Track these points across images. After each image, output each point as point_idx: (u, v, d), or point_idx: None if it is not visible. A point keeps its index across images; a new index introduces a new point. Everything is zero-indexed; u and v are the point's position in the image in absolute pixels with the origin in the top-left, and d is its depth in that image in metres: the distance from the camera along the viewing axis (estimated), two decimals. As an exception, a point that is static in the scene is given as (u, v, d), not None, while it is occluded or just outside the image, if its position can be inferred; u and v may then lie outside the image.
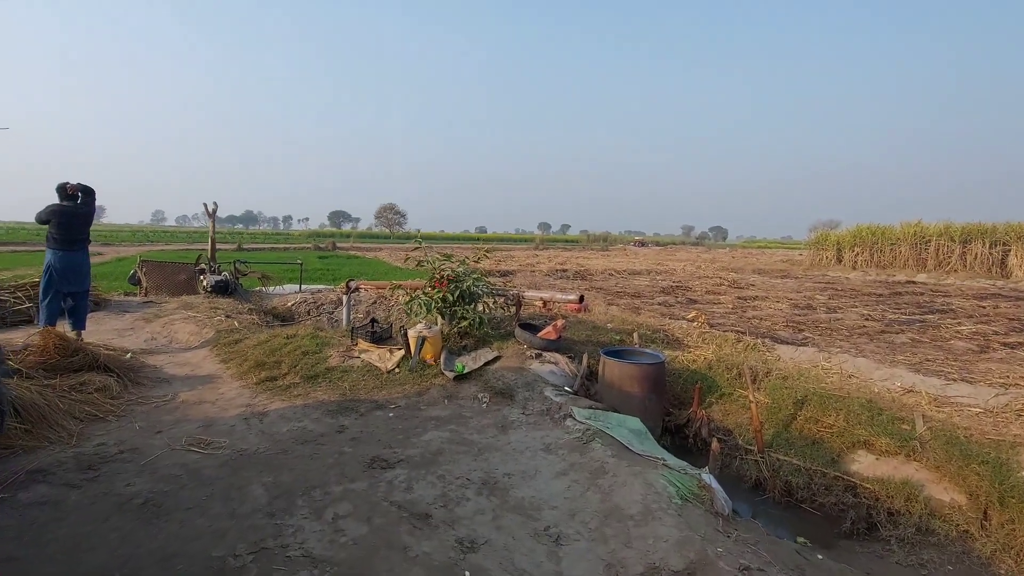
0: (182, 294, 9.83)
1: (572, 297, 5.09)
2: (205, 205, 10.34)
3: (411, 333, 4.91)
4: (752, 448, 3.98)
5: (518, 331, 5.10)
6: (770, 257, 39.00)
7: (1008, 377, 5.70)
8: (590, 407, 3.91)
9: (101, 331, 6.48)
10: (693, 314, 7.35)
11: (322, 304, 9.36)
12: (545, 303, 5.38)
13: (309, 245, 39.69)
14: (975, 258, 22.10)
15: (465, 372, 4.63)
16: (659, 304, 11.25)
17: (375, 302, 9.30)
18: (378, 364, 4.87)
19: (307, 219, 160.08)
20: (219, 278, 9.27)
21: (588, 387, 4.76)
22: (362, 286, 7.96)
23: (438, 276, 5.24)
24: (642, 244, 67.49)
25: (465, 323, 5.16)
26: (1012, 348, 7.50)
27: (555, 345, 4.98)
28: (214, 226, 10.54)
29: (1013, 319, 10.22)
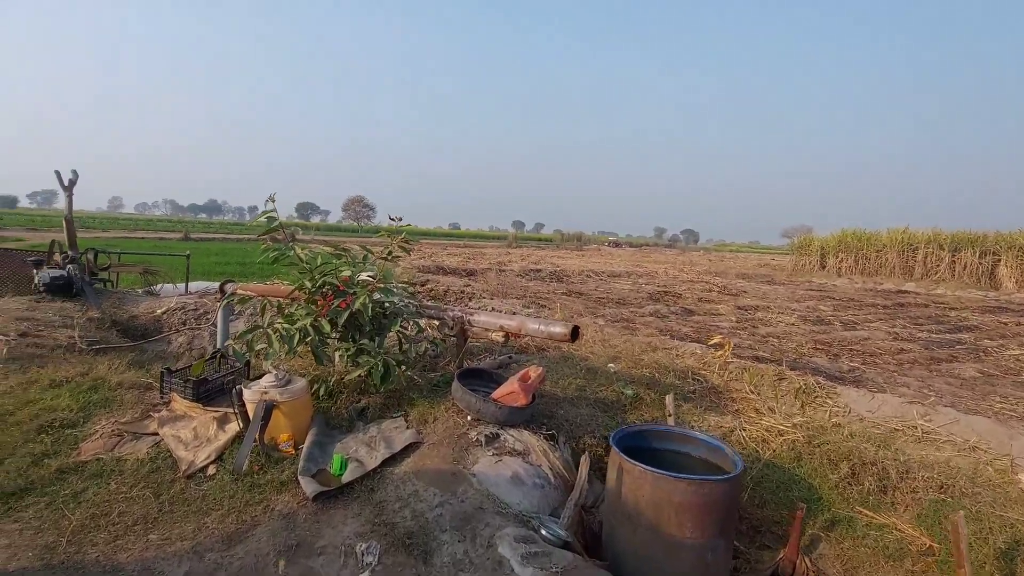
0: (22, 293, 7.19)
1: (558, 330, 2.71)
2: (58, 174, 7.61)
3: (247, 395, 2.55)
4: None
5: (456, 388, 2.78)
6: (745, 261, 37.76)
7: None
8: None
9: None
10: (717, 338, 5.25)
11: (207, 312, 6.83)
12: (510, 335, 2.98)
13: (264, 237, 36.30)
14: (964, 268, 21.11)
15: (344, 479, 2.32)
16: (651, 315, 9.30)
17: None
18: (182, 454, 2.50)
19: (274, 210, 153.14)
20: (57, 273, 6.63)
21: (587, 504, 2.50)
22: (244, 290, 5.20)
23: (312, 285, 2.89)
24: (616, 244, 65.98)
25: (362, 371, 2.79)
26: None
27: (524, 415, 2.69)
28: (71, 203, 7.81)
29: (1059, 341, 8.65)
